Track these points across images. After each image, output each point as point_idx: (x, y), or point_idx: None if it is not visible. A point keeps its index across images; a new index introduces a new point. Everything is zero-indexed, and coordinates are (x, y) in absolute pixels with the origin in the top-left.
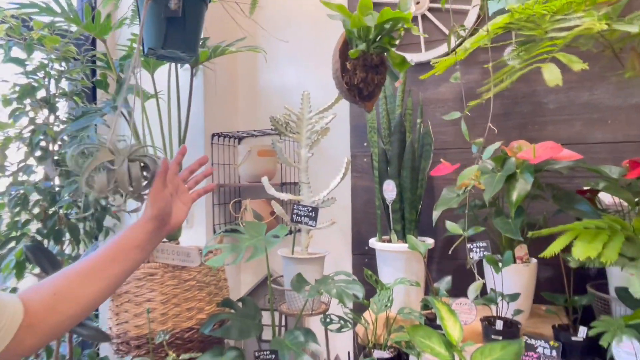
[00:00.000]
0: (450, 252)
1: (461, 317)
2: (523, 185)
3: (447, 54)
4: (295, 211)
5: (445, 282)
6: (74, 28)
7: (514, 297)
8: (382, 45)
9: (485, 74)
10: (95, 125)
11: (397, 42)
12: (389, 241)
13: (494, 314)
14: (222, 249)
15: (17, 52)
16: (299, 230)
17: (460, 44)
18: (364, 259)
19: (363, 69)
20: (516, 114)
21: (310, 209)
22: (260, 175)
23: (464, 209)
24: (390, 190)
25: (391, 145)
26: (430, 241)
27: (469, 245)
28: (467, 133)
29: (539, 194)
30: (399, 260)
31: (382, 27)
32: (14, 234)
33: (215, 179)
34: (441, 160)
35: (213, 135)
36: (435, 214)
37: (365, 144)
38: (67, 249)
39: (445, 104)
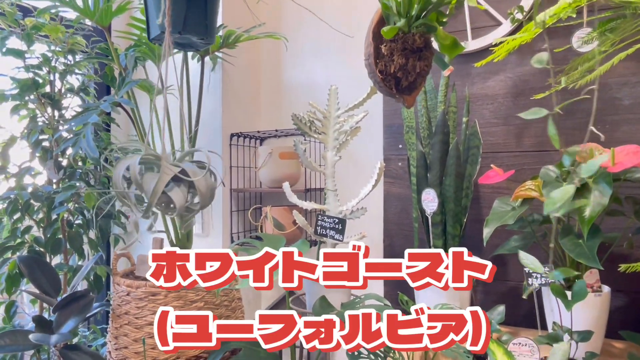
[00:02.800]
0: (498, 274)
1: None
2: (599, 199)
3: (495, 45)
4: (319, 222)
5: (498, 313)
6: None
7: (585, 336)
8: (427, 23)
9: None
10: (109, 124)
11: (446, 19)
12: None
13: None
14: None
15: (15, 44)
16: (324, 242)
17: (518, 29)
18: None
19: (402, 54)
20: (580, 112)
21: (337, 220)
22: (282, 180)
23: (518, 224)
24: (430, 200)
25: (432, 148)
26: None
27: (527, 270)
28: (556, 138)
29: (617, 209)
30: None
31: None
32: (12, 242)
33: (234, 183)
34: (491, 165)
35: (232, 135)
36: (487, 232)
37: (400, 146)
38: (72, 260)
39: (495, 100)
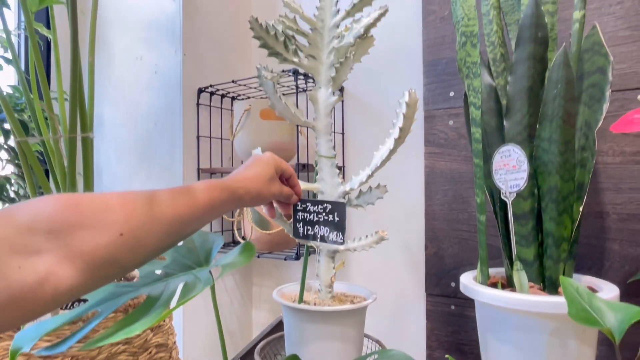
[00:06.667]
0: None
1: None
2: None
3: None
4: (299, 215)
5: None
6: None
7: None
8: None
9: None
10: None
11: None
12: (506, 285)
13: None
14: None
15: None
16: (313, 251)
17: None
18: (448, 306)
19: None
20: None
21: (329, 208)
22: (267, 150)
23: None
24: (510, 167)
25: (512, 72)
26: (614, 292)
27: None
28: None
29: None
30: (535, 332)
31: None
32: None
33: (204, 161)
34: (638, 98)
35: (200, 90)
36: None
37: (451, 94)
38: None
39: None
